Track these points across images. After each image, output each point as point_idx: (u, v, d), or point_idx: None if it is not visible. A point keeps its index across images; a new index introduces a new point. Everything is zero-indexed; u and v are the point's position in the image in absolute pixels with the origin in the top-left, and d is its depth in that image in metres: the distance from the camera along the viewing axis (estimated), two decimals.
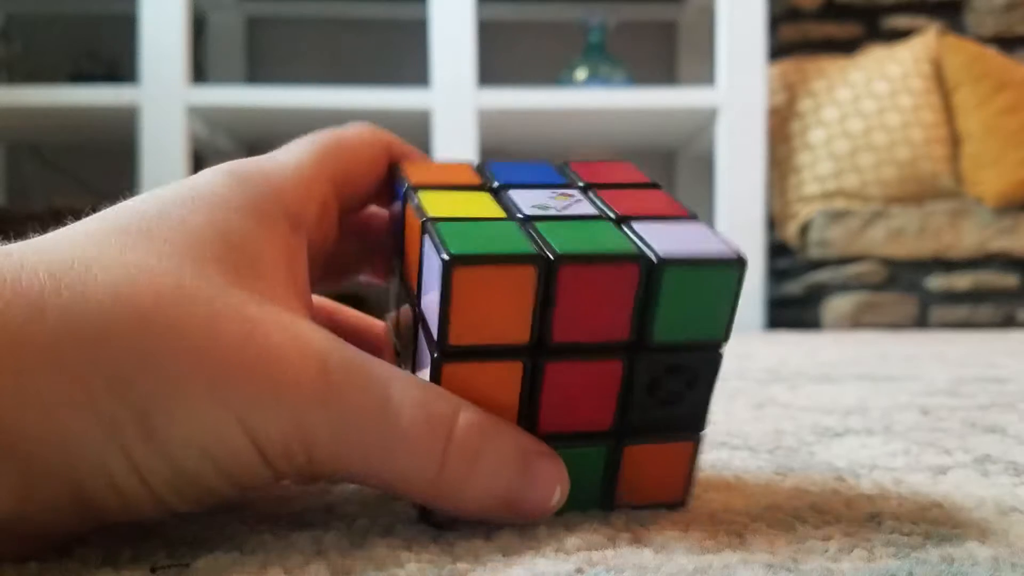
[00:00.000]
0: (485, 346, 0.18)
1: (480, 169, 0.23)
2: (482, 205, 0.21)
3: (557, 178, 0.23)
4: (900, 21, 1.78)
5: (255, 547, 0.18)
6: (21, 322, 0.15)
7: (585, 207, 0.21)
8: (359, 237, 0.26)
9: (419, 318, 0.20)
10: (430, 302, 0.19)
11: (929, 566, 0.17)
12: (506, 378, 0.19)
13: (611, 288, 0.18)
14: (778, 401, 0.46)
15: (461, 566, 0.17)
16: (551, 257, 0.18)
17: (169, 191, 0.19)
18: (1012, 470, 0.27)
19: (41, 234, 0.18)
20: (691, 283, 0.19)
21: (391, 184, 0.23)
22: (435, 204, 0.20)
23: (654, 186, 0.23)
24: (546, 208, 0.20)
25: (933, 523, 0.20)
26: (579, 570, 0.17)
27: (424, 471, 0.18)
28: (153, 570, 0.17)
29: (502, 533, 0.19)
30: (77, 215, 0.19)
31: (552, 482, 0.19)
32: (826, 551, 0.18)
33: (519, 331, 0.18)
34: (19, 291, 0.15)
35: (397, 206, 0.22)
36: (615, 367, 0.19)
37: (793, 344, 1.04)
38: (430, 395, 0.18)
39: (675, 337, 0.19)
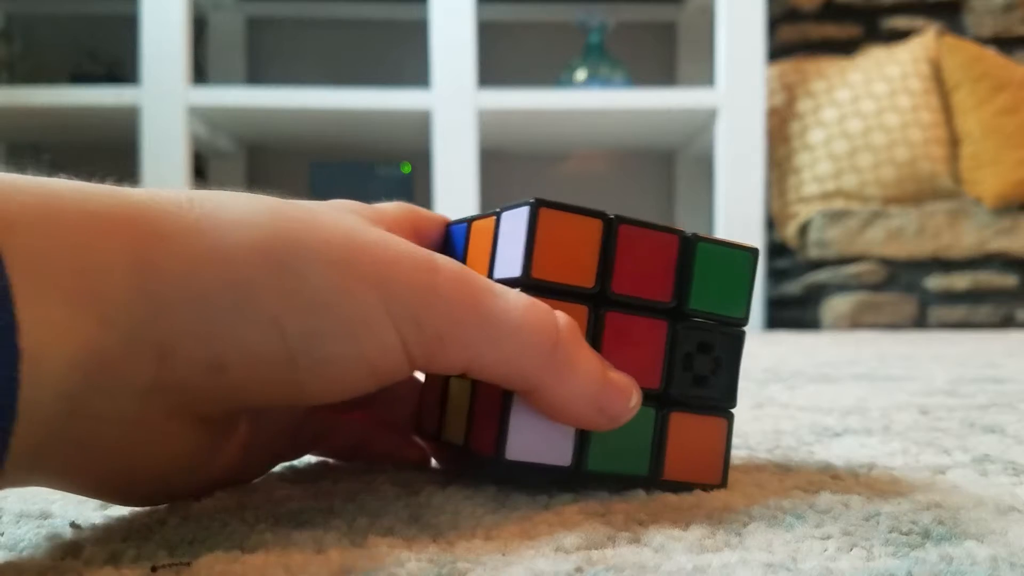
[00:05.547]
0: (559, 285, 0.22)
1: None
2: None
3: None
4: (899, 22, 1.78)
5: (255, 546, 0.18)
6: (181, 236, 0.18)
7: None
8: None
9: None
10: (509, 259, 0.22)
11: (928, 565, 0.17)
12: (574, 320, 0.21)
13: (658, 252, 0.23)
14: (777, 401, 0.46)
15: (461, 566, 0.17)
16: (612, 217, 0.22)
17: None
18: (1011, 470, 0.27)
19: None
20: (717, 259, 0.23)
21: (446, 238, 0.27)
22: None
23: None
24: None
25: (932, 523, 0.20)
26: (579, 569, 0.17)
27: (539, 351, 0.20)
28: (154, 569, 0.17)
29: (502, 533, 0.19)
30: None
31: (628, 385, 0.22)
32: (825, 550, 0.18)
33: (586, 276, 0.22)
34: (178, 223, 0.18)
35: (456, 247, 0.26)
36: (661, 326, 0.23)
37: (792, 344, 1.04)
38: (526, 295, 0.21)
39: (705, 307, 0.23)
